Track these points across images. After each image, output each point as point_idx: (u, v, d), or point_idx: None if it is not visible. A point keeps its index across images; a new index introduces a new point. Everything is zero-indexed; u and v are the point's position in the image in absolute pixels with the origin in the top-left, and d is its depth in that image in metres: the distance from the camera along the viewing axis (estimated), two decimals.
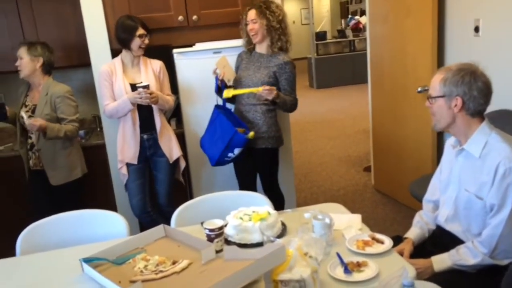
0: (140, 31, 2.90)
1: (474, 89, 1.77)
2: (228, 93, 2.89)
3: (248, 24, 2.93)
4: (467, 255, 1.81)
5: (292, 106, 2.98)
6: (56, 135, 2.84)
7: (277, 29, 2.92)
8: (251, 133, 2.86)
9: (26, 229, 2.02)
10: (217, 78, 2.93)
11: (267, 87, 2.80)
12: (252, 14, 2.92)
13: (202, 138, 3.07)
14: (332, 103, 8.92)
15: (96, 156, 3.33)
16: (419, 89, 3.50)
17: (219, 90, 2.98)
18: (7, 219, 3.31)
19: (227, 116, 2.94)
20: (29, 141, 2.98)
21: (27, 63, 2.89)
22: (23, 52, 2.89)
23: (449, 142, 2.00)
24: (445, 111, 1.83)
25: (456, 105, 1.80)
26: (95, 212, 2.15)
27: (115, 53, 3.12)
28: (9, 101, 3.09)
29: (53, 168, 2.93)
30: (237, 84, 2.99)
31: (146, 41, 2.93)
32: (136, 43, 2.90)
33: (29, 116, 2.90)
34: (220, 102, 3.04)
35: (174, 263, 1.59)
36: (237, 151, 2.89)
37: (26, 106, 2.97)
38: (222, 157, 2.92)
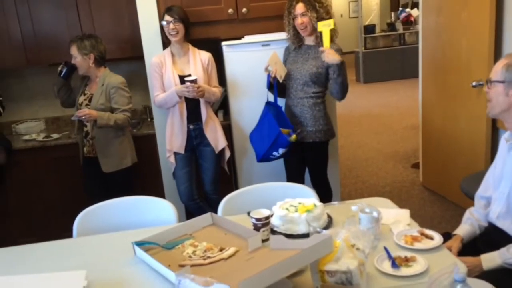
0: (166, 17, 2.96)
1: None
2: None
3: (297, 17, 2.90)
4: None
5: (346, 87, 2.88)
6: (106, 123, 2.95)
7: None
8: (293, 136, 2.86)
9: (82, 213, 2.12)
10: (269, 75, 2.92)
11: (329, 50, 2.73)
12: (300, 7, 2.87)
13: (251, 132, 3.11)
14: (379, 97, 8.73)
15: (147, 145, 3.44)
16: (474, 83, 3.37)
17: (271, 86, 2.99)
18: (65, 203, 3.50)
19: (275, 114, 2.95)
20: (85, 129, 3.12)
21: (80, 62, 3.02)
22: (74, 51, 3.01)
23: (504, 136, 1.93)
24: (502, 98, 1.76)
25: None
26: (146, 198, 2.22)
27: (166, 46, 3.19)
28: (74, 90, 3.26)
29: (105, 155, 3.06)
30: (286, 77, 2.99)
31: (172, 26, 2.95)
32: (165, 29, 2.99)
33: (86, 105, 3.04)
34: (271, 99, 3.04)
35: (221, 250, 1.63)
36: (281, 151, 2.90)
37: (85, 94, 3.12)
38: (267, 155, 2.95)
